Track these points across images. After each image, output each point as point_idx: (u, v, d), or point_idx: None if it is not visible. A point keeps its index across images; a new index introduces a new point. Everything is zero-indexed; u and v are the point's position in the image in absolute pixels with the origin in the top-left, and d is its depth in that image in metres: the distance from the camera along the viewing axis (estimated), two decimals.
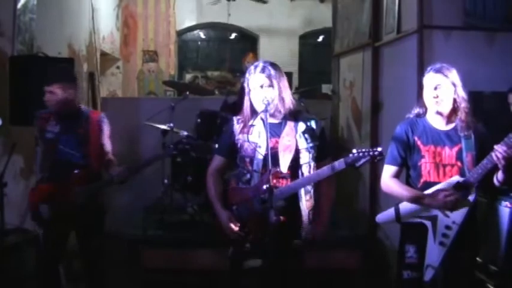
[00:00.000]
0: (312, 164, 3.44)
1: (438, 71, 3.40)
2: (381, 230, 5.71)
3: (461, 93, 3.39)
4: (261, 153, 3.37)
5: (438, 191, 3.34)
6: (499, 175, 3.24)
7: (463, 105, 3.38)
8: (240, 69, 12.82)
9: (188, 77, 12.79)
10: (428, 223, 3.40)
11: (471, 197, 3.32)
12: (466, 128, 3.37)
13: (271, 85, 3.39)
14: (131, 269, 5.35)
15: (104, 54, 9.89)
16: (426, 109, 3.50)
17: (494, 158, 3.13)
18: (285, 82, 3.46)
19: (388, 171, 3.57)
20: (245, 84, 3.50)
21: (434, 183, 3.40)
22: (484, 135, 3.40)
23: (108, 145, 4.39)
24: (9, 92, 5.01)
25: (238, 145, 3.52)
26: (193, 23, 12.82)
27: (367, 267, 5.36)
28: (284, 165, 3.40)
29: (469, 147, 3.36)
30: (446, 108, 3.41)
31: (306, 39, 13.32)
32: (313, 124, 3.50)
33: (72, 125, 4.23)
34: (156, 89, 11.72)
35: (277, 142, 3.42)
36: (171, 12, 11.88)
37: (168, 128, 5.74)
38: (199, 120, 5.85)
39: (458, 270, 3.44)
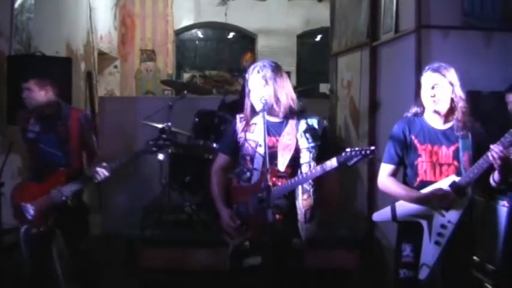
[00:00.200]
0: (313, 163, 3.43)
1: (436, 70, 3.40)
2: (378, 229, 5.71)
3: (459, 93, 3.38)
4: (261, 151, 3.37)
5: (434, 190, 3.35)
6: (495, 176, 3.24)
7: (460, 104, 3.37)
8: (238, 69, 12.85)
9: (186, 76, 12.80)
10: (424, 222, 3.40)
11: (467, 196, 3.32)
12: (463, 127, 3.36)
13: (266, 85, 3.39)
14: (129, 269, 5.35)
15: (101, 54, 9.90)
16: (424, 108, 3.50)
17: (490, 157, 3.13)
18: (282, 82, 3.44)
19: (385, 169, 3.57)
20: (246, 84, 3.51)
21: (431, 182, 3.41)
22: (481, 134, 3.40)
23: (91, 143, 4.36)
24: (7, 91, 5.01)
25: (240, 143, 3.53)
26: (191, 22, 12.81)
27: (365, 267, 5.36)
28: (282, 164, 3.40)
29: (466, 147, 3.36)
30: (444, 108, 3.41)
31: (304, 39, 13.33)
32: (315, 123, 3.50)
33: (52, 123, 4.21)
34: (153, 88, 11.73)
35: (277, 141, 3.43)
36: (168, 12, 11.89)
37: (166, 127, 5.73)
38: (197, 119, 5.84)
39: (455, 269, 3.44)
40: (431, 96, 3.39)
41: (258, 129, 3.45)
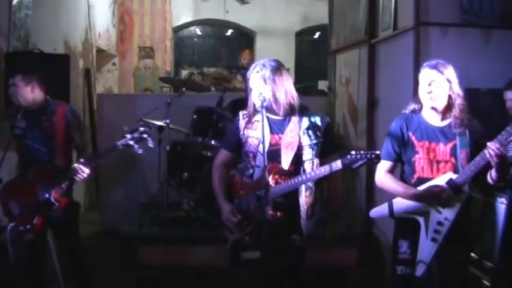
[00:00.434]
0: (315, 160, 3.45)
1: (433, 67, 3.41)
2: (376, 226, 5.72)
3: (457, 90, 3.38)
4: (263, 148, 3.38)
5: (431, 187, 3.35)
6: (493, 173, 3.25)
7: (458, 102, 3.37)
8: (236, 66, 12.86)
9: (184, 73, 12.77)
10: (420, 219, 3.41)
11: (464, 194, 3.32)
12: (460, 125, 3.37)
13: (265, 85, 3.41)
14: (127, 266, 5.34)
15: (99, 51, 9.89)
16: (422, 105, 3.50)
17: (487, 155, 3.13)
18: (281, 81, 3.43)
19: (382, 166, 3.58)
20: (247, 83, 3.54)
21: (428, 179, 3.41)
22: (479, 132, 3.40)
23: (78, 139, 4.31)
24: (5, 88, 5.00)
25: (243, 140, 3.55)
26: (189, 19, 12.79)
27: (363, 264, 5.36)
28: (286, 162, 3.41)
29: (463, 144, 3.36)
30: (441, 105, 3.41)
31: (302, 36, 13.31)
32: (317, 120, 3.52)
33: (37, 119, 4.18)
34: (152, 86, 11.72)
35: (280, 138, 3.45)
36: (167, 9, 11.87)
37: (164, 125, 5.73)
38: (195, 116, 5.84)
39: (452, 266, 3.45)
40: (428, 93, 3.39)
41: (260, 126, 3.46)
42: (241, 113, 3.63)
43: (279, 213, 3.37)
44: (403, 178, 3.58)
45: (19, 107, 4.18)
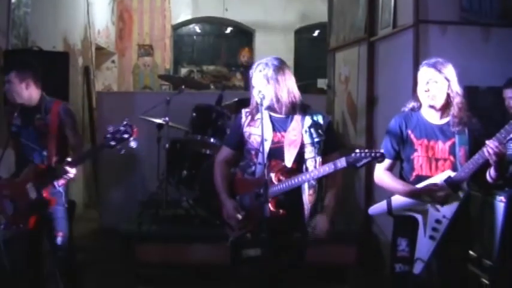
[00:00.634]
0: (318, 158, 3.47)
1: (431, 65, 3.42)
2: (375, 224, 5.72)
3: (456, 89, 3.39)
4: (265, 146, 3.38)
5: (429, 185, 3.36)
6: (492, 172, 3.25)
7: (456, 100, 3.38)
8: (235, 64, 12.83)
9: (183, 71, 12.76)
10: (419, 216, 3.42)
11: (462, 192, 3.33)
12: (459, 123, 3.37)
13: (267, 84, 3.42)
14: (126, 264, 5.35)
15: (99, 49, 9.88)
16: (421, 103, 3.51)
17: (486, 153, 3.13)
18: (284, 80, 3.45)
19: (381, 164, 3.58)
20: (250, 81, 3.54)
21: (427, 177, 3.42)
22: (478, 130, 3.40)
23: (72, 138, 4.22)
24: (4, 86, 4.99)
25: (245, 137, 3.56)
26: (188, 17, 12.77)
27: (362, 262, 5.37)
28: (289, 160, 3.43)
29: (462, 142, 3.37)
30: (438, 103, 3.41)
31: (302, 34, 13.28)
32: (320, 119, 3.54)
33: (32, 117, 4.11)
34: (151, 83, 11.70)
35: (282, 136, 3.47)
36: (166, 6, 11.84)
37: (164, 122, 5.73)
38: (194, 114, 5.83)
39: (451, 264, 3.46)
40: (426, 91, 3.41)
41: (263, 123, 3.47)
42: (243, 111, 3.64)
43: (281, 211, 3.39)
44: (402, 176, 3.59)
45: (16, 105, 4.13)
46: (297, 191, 3.45)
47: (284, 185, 3.38)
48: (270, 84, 3.41)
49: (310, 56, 12.67)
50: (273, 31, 12.63)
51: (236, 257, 3.58)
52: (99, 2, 9.71)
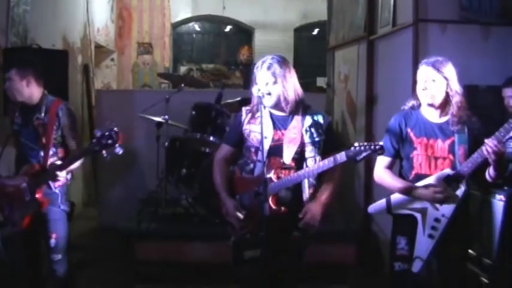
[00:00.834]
0: (318, 158, 3.47)
1: (430, 64, 3.42)
2: (375, 223, 5.72)
3: (455, 87, 3.38)
4: (265, 143, 3.38)
5: (429, 185, 3.36)
6: (491, 171, 3.25)
7: (455, 99, 3.38)
8: (235, 62, 12.84)
9: (183, 69, 12.77)
10: (418, 215, 3.43)
11: (460, 191, 3.33)
12: (458, 122, 3.37)
13: (275, 82, 3.43)
14: (125, 262, 5.35)
15: (98, 47, 9.87)
16: (420, 102, 3.51)
17: (485, 152, 3.14)
18: (291, 77, 3.49)
19: (381, 162, 3.59)
20: (253, 78, 3.53)
21: (426, 176, 3.43)
22: (478, 128, 3.40)
23: (69, 140, 4.10)
24: (3, 84, 4.99)
25: (245, 135, 3.56)
26: (188, 15, 12.78)
27: (361, 261, 5.37)
28: (287, 156, 3.44)
29: (461, 141, 3.37)
30: (437, 102, 3.42)
31: (301, 33, 13.30)
32: (320, 119, 3.55)
33: (31, 116, 4.04)
34: (150, 82, 11.70)
35: (282, 134, 3.48)
36: (166, 5, 11.85)
37: (163, 121, 5.73)
38: (193, 112, 5.83)
39: (451, 263, 3.46)
40: (423, 90, 3.41)
41: (263, 122, 3.46)
42: (243, 108, 3.65)
43: (283, 208, 3.39)
44: (401, 174, 3.59)
45: (17, 103, 4.08)
46: (297, 189, 3.46)
47: (283, 181, 3.39)
48: (278, 82, 3.42)
49: (310, 55, 12.69)
50: (273, 29, 12.65)
51: (238, 258, 3.56)
52: (98, 0, 9.70)
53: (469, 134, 3.37)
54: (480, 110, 3.60)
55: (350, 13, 6.68)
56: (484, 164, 3.23)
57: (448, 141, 3.40)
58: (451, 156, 3.38)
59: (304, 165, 3.45)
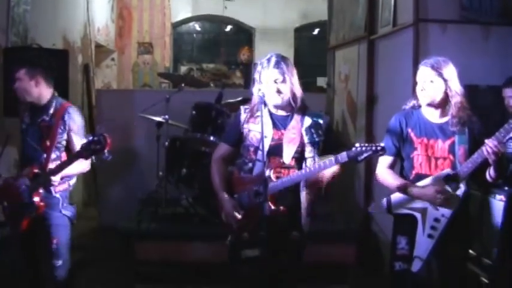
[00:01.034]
0: (317, 158, 3.46)
1: (428, 65, 3.43)
2: (375, 223, 5.72)
3: (455, 88, 3.38)
4: (265, 143, 3.37)
5: (429, 185, 3.36)
6: (491, 171, 3.26)
7: (455, 100, 3.38)
8: (235, 62, 12.83)
9: (183, 69, 12.76)
10: (418, 215, 3.43)
11: (460, 191, 3.33)
12: (457, 123, 3.37)
13: (284, 81, 3.44)
14: (125, 262, 5.34)
15: (98, 46, 9.87)
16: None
17: (485, 152, 3.14)
18: (295, 76, 3.51)
19: (383, 161, 3.60)
20: (256, 76, 3.52)
21: (426, 176, 3.43)
22: (478, 129, 3.40)
23: (73, 145, 3.99)
24: (3, 83, 4.99)
25: (244, 134, 3.56)
26: (188, 15, 12.78)
27: (362, 261, 5.37)
28: (287, 156, 3.45)
29: (462, 141, 3.37)
30: (435, 102, 3.42)
31: (302, 32, 13.30)
32: (320, 119, 3.55)
33: (38, 117, 3.97)
34: (151, 81, 11.71)
35: (282, 134, 3.48)
36: (166, 4, 11.85)
37: (163, 120, 5.72)
38: (194, 112, 5.82)
39: (450, 262, 3.46)
40: (421, 91, 3.42)
41: (262, 121, 3.46)
42: (242, 107, 3.64)
43: (282, 208, 3.39)
44: (402, 174, 3.59)
45: (26, 102, 4.01)
46: (295, 189, 3.46)
47: (283, 181, 3.39)
48: (287, 79, 3.44)
49: (310, 55, 12.69)
50: (273, 29, 12.65)
51: (235, 257, 3.55)
52: (98, 0, 9.70)
53: (469, 134, 3.37)
54: (480, 110, 3.59)
55: (350, 13, 6.68)
56: (484, 164, 3.23)
57: (448, 142, 3.40)
58: (451, 157, 3.38)
59: (304, 165, 3.45)
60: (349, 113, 6.73)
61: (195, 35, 13.59)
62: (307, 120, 3.50)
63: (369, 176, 5.82)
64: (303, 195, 3.47)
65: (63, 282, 4.01)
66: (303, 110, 3.54)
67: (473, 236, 3.89)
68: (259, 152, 3.43)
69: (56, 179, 3.75)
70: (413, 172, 3.48)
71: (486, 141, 3.13)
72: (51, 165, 3.83)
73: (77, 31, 8.27)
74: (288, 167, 3.44)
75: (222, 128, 5.60)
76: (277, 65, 3.43)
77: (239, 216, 3.46)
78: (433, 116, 3.47)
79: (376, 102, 5.86)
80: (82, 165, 3.94)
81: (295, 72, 3.52)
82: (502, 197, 3.90)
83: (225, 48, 13.51)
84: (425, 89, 3.40)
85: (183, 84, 6.25)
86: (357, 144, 3.21)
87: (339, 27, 7.27)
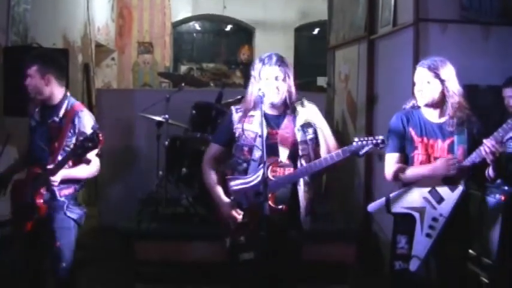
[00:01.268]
0: (312, 155, 3.48)
1: (424, 65, 3.44)
2: (375, 222, 5.72)
3: (453, 88, 3.38)
4: (262, 144, 3.37)
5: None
6: (490, 171, 3.26)
7: (452, 100, 3.38)
8: (235, 62, 12.83)
9: (183, 68, 12.76)
10: (416, 214, 3.43)
11: (459, 190, 3.33)
12: (456, 123, 3.37)
13: (284, 79, 3.45)
14: (125, 261, 5.34)
15: (98, 46, 9.87)
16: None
17: (483, 152, 3.15)
18: (292, 77, 3.52)
19: (392, 158, 3.56)
20: (255, 73, 3.51)
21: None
22: (478, 128, 3.40)
23: None
24: (4, 82, 4.99)
25: (237, 134, 3.54)
26: (188, 14, 12.77)
27: (362, 260, 5.37)
28: (283, 156, 3.45)
29: (461, 141, 3.38)
30: (431, 103, 3.42)
31: (302, 32, 13.29)
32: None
33: (48, 116, 3.86)
34: (151, 81, 11.71)
35: (276, 133, 3.47)
36: (166, 4, 11.85)
37: (163, 120, 5.72)
38: (194, 112, 5.82)
39: (450, 262, 3.46)
40: (418, 91, 3.43)
41: (256, 120, 3.46)
42: (233, 108, 3.64)
43: (281, 206, 3.39)
44: None
45: (37, 101, 3.89)
46: (293, 188, 3.47)
47: (283, 179, 3.40)
48: (286, 78, 3.45)
49: (310, 54, 12.69)
50: (273, 29, 12.64)
51: (234, 260, 3.53)
52: None
53: (469, 134, 3.38)
54: (480, 110, 3.60)
55: (350, 13, 6.68)
56: (483, 163, 3.23)
57: (447, 141, 3.40)
58: (450, 156, 3.38)
59: (299, 164, 3.45)
60: (349, 113, 6.74)
61: (195, 34, 13.58)
62: (300, 120, 3.50)
63: (368, 175, 5.82)
64: (302, 194, 3.47)
65: (64, 283, 3.97)
66: (294, 110, 3.53)
67: (473, 236, 3.89)
68: (255, 152, 3.44)
69: (55, 179, 3.67)
70: None
71: (484, 141, 3.14)
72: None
73: (77, 30, 8.27)
74: (284, 166, 3.43)
75: None
76: (279, 62, 3.44)
77: (239, 217, 3.45)
78: (432, 116, 3.48)
79: (376, 102, 5.87)
80: (90, 168, 3.87)
81: (292, 73, 3.53)
82: (502, 196, 3.91)
83: (225, 47, 13.50)
84: (422, 90, 3.41)
85: (183, 84, 6.25)
86: (356, 139, 3.22)
87: (339, 27, 7.27)
